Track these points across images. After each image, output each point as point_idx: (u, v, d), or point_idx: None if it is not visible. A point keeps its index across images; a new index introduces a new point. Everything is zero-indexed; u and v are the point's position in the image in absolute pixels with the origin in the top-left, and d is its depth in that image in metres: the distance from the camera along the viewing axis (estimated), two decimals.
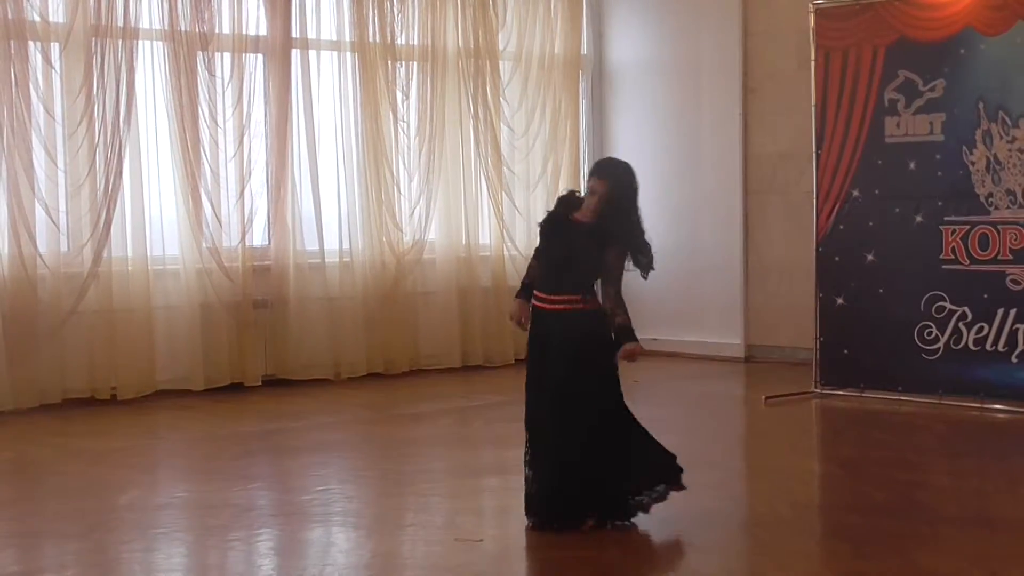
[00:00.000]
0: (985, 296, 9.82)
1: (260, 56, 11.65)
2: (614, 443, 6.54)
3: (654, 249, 6.58)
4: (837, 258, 10.60)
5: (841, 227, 10.57)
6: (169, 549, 6.51)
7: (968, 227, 9.89)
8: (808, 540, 6.58)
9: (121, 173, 10.81)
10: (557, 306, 6.54)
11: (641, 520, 6.58)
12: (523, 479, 6.68)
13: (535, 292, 6.66)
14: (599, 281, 6.58)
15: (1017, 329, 9.67)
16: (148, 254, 11.06)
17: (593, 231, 6.50)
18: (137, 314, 10.98)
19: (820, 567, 6.14)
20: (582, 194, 6.75)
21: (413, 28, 12.46)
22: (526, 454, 6.65)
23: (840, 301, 10.59)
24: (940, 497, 7.40)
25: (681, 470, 6.68)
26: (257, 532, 6.75)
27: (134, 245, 11.00)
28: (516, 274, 12.78)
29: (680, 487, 6.66)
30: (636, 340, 6.57)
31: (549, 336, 6.54)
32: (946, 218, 10.00)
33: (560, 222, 6.65)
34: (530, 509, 6.62)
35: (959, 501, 7.36)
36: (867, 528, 6.61)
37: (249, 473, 8.25)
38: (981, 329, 9.85)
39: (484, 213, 13.08)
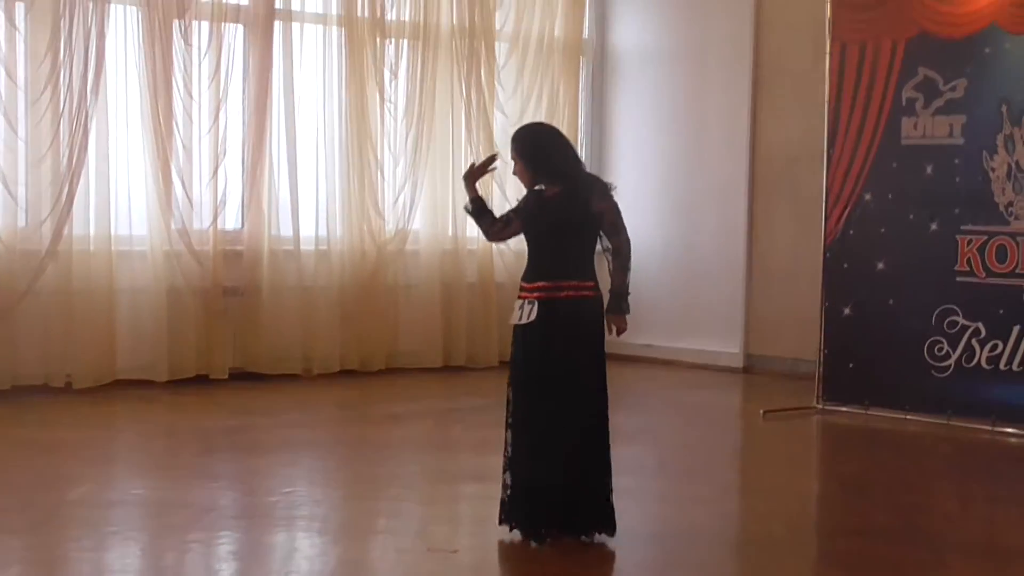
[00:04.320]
0: (1001, 312, 9.81)
1: (240, 26, 11.61)
2: (601, 447, 6.55)
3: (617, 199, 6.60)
4: (845, 265, 10.59)
5: (851, 232, 10.55)
6: (122, 549, 6.48)
7: (986, 238, 9.88)
8: (802, 564, 6.56)
9: (86, 146, 10.77)
10: (568, 293, 6.50)
11: (629, 535, 6.55)
12: (501, 486, 6.65)
13: (527, 283, 6.58)
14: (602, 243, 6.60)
15: None
16: (112, 233, 11.01)
17: (562, 200, 6.51)
18: (98, 297, 10.93)
19: None
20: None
21: (405, 3, 12.42)
22: (508, 456, 6.62)
23: (847, 311, 10.58)
24: (946, 523, 7.39)
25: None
26: (217, 534, 6.71)
27: (97, 223, 10.95)
28: (505, 270, 12.79)
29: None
30: (627, 310, 6.58)
31: (560, 326, 6.47)
32: (963, 227, 9.99)
33: (538, 203, 6.65)
34: (511, 515, 6.59)
35: (966, 528, 7.35)
36: (866, 553, 6.60)
37: (211, 471, 8.22)
38: (995, 347, 9.84)
39: None
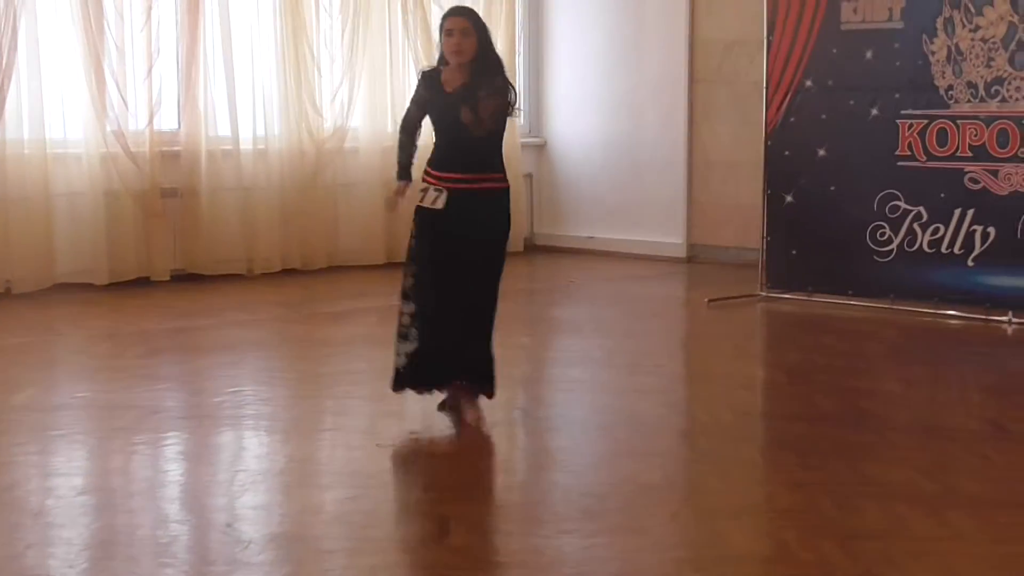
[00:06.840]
0: (942, 195, 9.83)
1: None
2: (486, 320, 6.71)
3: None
4: (787, 153, 10.56)
5: (792, 120, 10.52)
6: (69, 452, 6.42)
7: (926, 121, 9.87)
8: (751, 449, 6.60)
9: (16, 47, 10.53)
10: (484, 184, 6.61)
11: (577, 426, 6.56)
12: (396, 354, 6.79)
13: (436, 170, 6.66)
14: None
15: (974, 231, 9.70)
16: (46, 136, 10.83)
17: (473, 87, 6.53)
18: (34, 202, 10.78)
19: (763, 477, 6.16)
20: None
21: None
22: (407, 326, 6.75)
23: (789, 199, 10.57)
24: (890, 406, 7.44)
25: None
26: (164, 435, 6.66)
27: (31, 126, 10.76)
28: None
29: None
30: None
31: (468, 218, 6.57)
32: (903, 111, 9.97)
33: (441, 95, 6.65)
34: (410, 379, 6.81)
35: (910, 410, 7.41)
36: (813, 437, 6.64)
37: (156, 373, 8.16)
38: (937, 231, 9.87)
39: None
